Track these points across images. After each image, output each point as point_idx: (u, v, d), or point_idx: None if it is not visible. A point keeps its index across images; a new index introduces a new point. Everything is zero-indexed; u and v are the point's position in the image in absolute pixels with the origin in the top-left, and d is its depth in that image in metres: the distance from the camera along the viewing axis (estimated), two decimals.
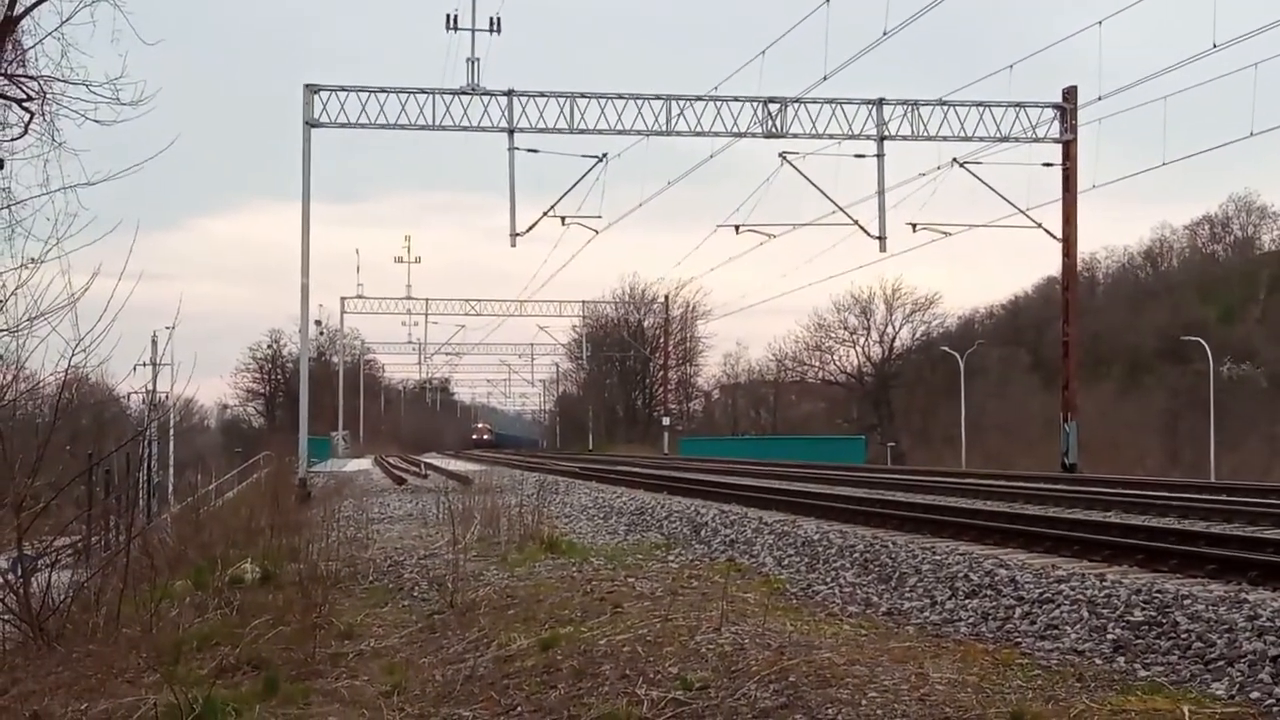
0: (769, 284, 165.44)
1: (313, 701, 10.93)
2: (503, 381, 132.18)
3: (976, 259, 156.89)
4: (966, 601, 12.80)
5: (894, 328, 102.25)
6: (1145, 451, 66.18)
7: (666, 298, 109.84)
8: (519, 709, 10.22)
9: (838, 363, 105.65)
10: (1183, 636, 10.02)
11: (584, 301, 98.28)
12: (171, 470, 52.12)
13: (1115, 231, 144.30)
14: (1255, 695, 8.65)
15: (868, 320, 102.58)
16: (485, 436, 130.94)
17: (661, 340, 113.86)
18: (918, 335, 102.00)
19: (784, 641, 11.46)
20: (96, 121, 12.58)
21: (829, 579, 15.40)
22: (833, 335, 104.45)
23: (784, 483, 33.71)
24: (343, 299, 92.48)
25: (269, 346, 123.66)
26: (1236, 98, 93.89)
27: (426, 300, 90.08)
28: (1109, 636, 10.55)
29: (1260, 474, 46.45)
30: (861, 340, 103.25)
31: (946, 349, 79.96)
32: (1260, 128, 34.16)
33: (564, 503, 30.48)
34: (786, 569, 16.76)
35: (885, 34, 34.57)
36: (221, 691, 10.86)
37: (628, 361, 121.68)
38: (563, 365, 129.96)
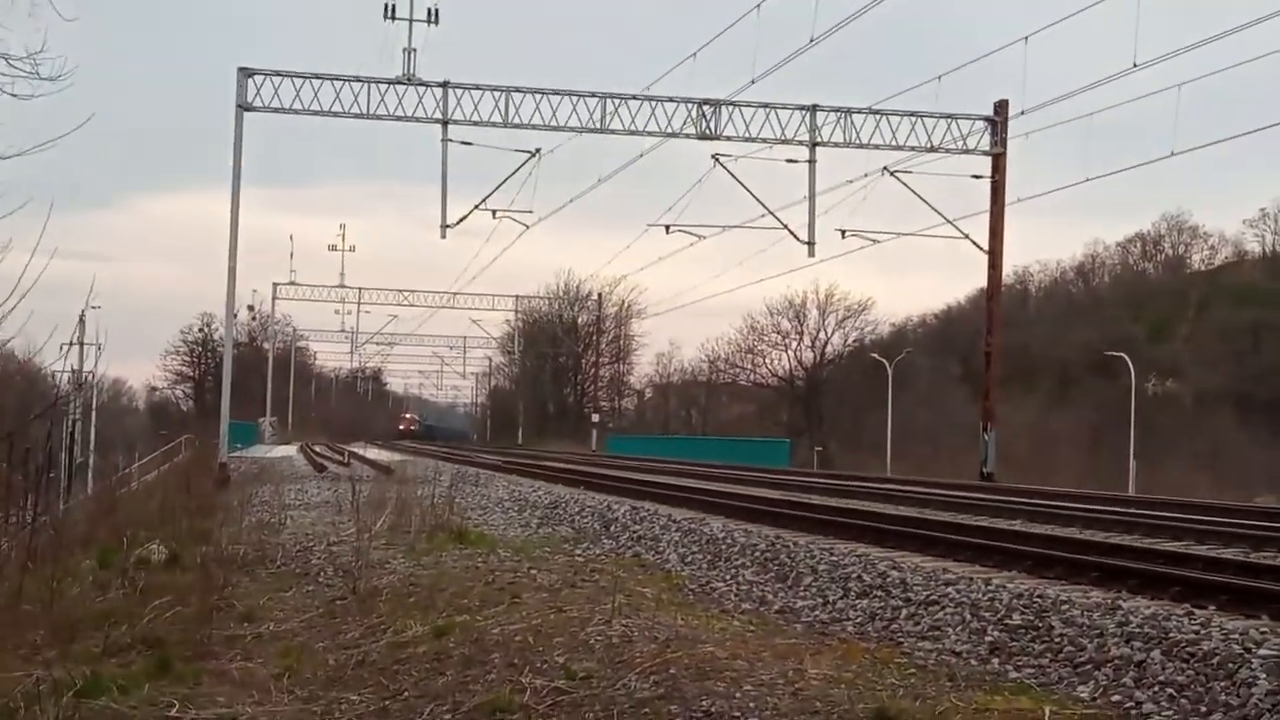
0: (700, 285, 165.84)
1: (203, 682, 10.94)
2: (435, 373, 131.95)
3: (912, 268, 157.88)
4: (857, 601, 13.00)
5: (826, 333, 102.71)
6: (1070, 464, 66.77)
7: (599, 295, 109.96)
8: (406, 694, 10.32)
9: (769, 366, 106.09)
10: (1056, 640, 10.24)
11: (518, 296, 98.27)
12: (92, 451, 51.76)
13: (1050, 246, 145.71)
14: (1116, 698, 8.87)
15: (801, 324, 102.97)
16: (413, 427, 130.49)
17: (595, 337, 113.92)
18: (850, 341, 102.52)
19: (671, 635, 11.61)
20: (13, 95, 12.51)
21: (728, 576, 15.58)
22: (765, 339, 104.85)
23: (701, 482, 33.88)
24: (275, 285, 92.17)
25: (200, 329, 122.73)
26: (1160, 117, 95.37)
27: (359, 289, 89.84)
28: (987, 639, 10.76)
29: (1179, 490, 46.97)
30: (794, 344, 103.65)
31: (876, 356, 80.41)
32: (1181, 148, 34.70)
33: (482, 495, 30.55)
34: (689, 565, 16.92)
35: (812, 40, 34.86)
36: (112, 669, 10.90)
37: (560, 357, 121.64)
38: (496, 359, 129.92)
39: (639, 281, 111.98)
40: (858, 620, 12.37)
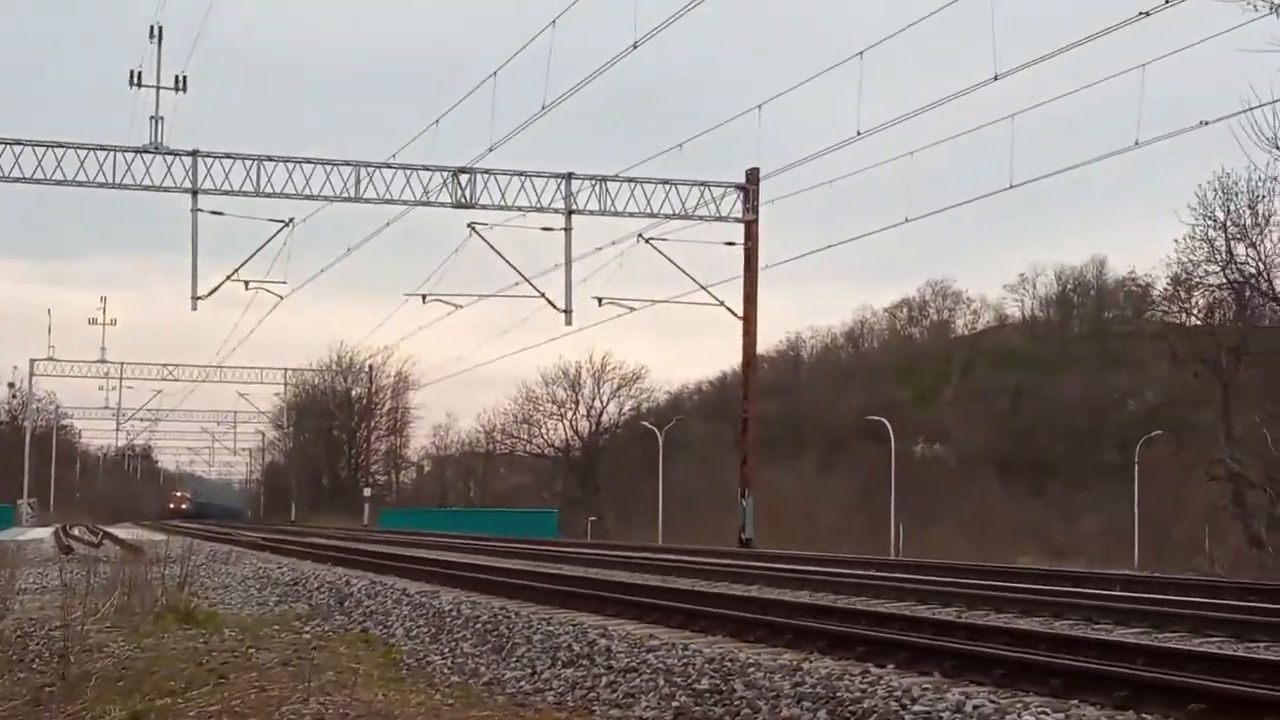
0: (466, 354, 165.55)
1: None
2: (205, 449, 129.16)
3: (686, 335, 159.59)
4: (562, 671, 12.98)
5: (601, 401, 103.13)
6: (839, 528, 67.92)
7: (370, 367, 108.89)
8: None
9: (545, 436, 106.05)
10: (736, 703, 10.34)
11: (287, 369, 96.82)
12: None
13: (822, 312, 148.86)
14: None
15: (576, 394, 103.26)
16: (184, 506, 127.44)
17: (367, 410, 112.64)
18: (625, 410, 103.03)
19: (364, 711, 11.46)
20: None
21: (448, 649, 15.46)
22: (541, 408, 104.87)
23: (453, 555, 33.73)
24: (32, 361, 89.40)
25: None
26: (895, 183, 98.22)
27: (122, 364, 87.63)
28: (674, 704, 10.84)
29: (941, 552, 48.08)
30: (570, 414, 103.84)
31: (647, 424, 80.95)
32: (914, 214, 35.90)
33: (228, 573, 29.89)
34: (412, 639, 16.75)
35: (544, 108, 35.26)
36: None
37: (334, 431, 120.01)
38: (269, 434, 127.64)
39: (411, 352, 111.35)
40: (559, 690, 12.35)
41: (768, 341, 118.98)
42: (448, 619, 17.35)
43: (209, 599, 23.92)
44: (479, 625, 16.29)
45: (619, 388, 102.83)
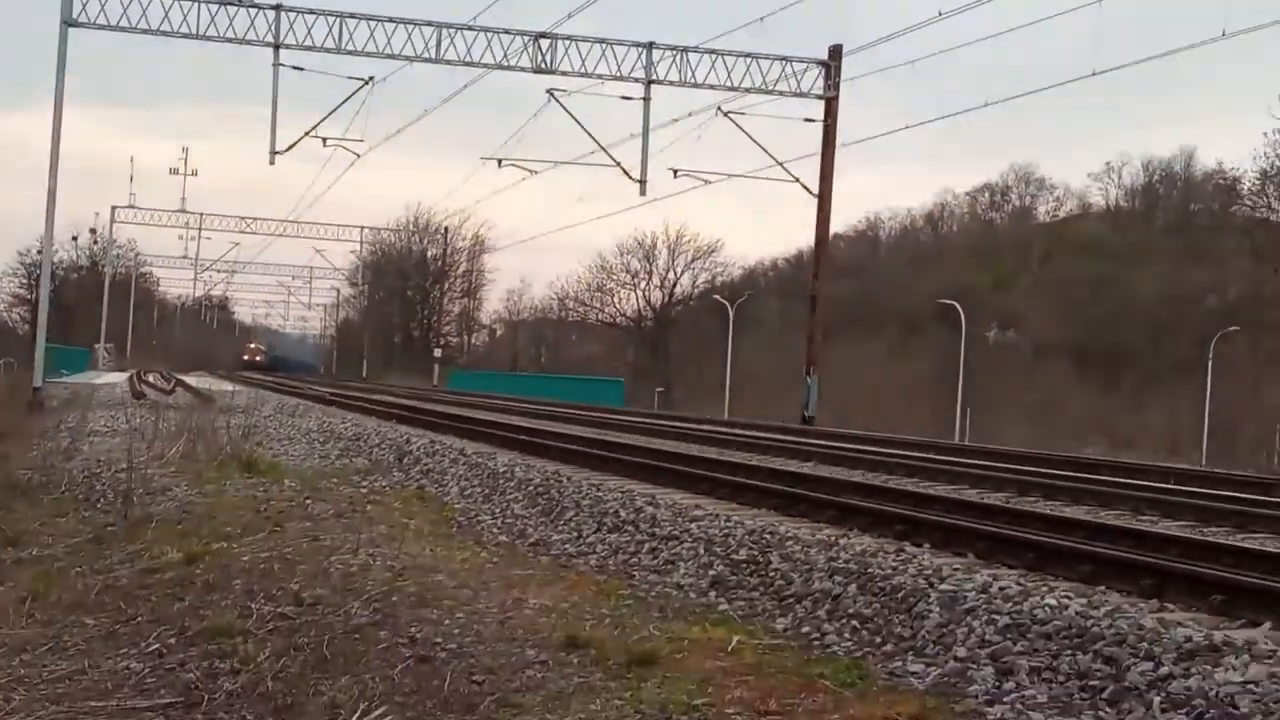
0: (539, 219, 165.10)
1: None
2: (281, 304, 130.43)
3: (765, 210, 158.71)
4: (607, 536, 13.21)
5: (675, 273, 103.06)
6: (909, 411, 67.85)
7: (446, 229, 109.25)
8: (139, 619, 10.32)
9: (618, 305, 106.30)
10: (770, 575, 10.52)
11: (363, 228, 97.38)
12: None
13: (903, 192, 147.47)
14: (806, 630, 9.16)
15: (650, 264, 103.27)
16: (258, 359, 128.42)
17: (446, 272, 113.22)
18: (699, 283, 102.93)
19: (410, 564, 11.75)
20: None
21: (499, 510, 15.74)
22: (614, 278, 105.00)
23: (515, 418, 34.06)
24: (113, 208, 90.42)
25: (38, 252, 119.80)
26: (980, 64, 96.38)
27: (201, 215, 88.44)
28: (711, 573, 11.03)
29: (1010, 439, 47.92)
30: (643, 284, 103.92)
31: (719, 298, 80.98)
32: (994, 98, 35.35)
33: (293, 425, 30.41)
34: (466, 498, 17.07)
35: None
36: None
37: (408, 291, 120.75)
38: (345, 291, 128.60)
39: (487, 216, 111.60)
40: (602, 554, 12.59)
41: (846, 219, 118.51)
42: (501, 480, 17.64)
43: (273, 449, 24.38)
44: (531, 488, 16.56)
45: (693, 260, 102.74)
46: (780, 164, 41.97)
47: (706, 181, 43.00)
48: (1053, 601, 8.33)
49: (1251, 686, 6.64)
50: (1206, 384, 62.94)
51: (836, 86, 41.64)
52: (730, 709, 7.30)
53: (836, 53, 41.58)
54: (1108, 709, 6.91)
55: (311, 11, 38.88)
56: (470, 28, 39.56)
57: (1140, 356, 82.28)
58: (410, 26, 39.25)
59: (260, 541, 13.44)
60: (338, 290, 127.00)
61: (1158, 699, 6.80)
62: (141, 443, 24.61)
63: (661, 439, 28.09)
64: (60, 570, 12.55)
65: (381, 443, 24.28)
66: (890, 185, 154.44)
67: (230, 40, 38.51)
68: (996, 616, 8.37)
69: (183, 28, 38.19)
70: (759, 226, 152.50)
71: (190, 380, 64.50)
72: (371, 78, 39.64)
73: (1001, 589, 8.85)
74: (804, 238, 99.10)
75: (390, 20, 39.21)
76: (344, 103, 39.90)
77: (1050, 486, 17.75)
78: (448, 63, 39.66)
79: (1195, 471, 24.86)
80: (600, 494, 15.11)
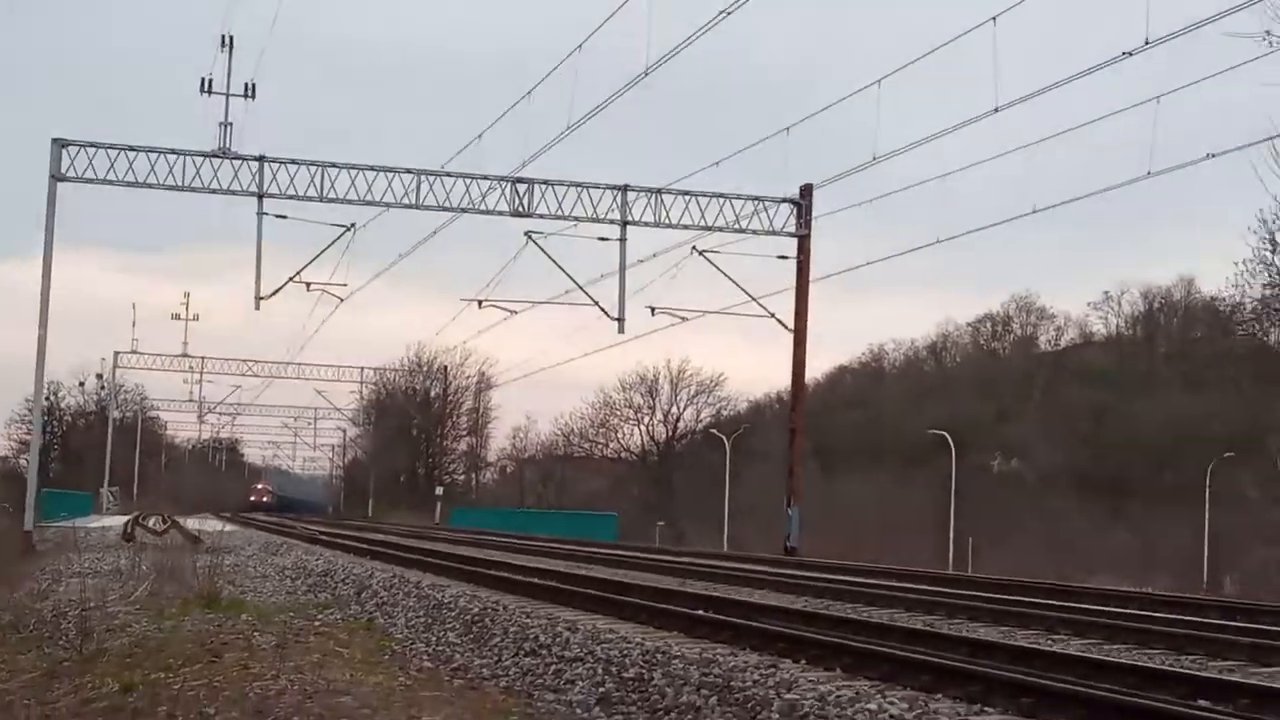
0: (532, 357, 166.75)
1: None
2: (289, 444, 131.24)
3: (769, 343, 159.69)
4: (523, 659, 13.88)
5: (678, 408, 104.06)
6: (914, 541, 68.16)
7: (445, 368, 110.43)
8: None
9: (621, 441, 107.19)
10: (650, 690, 11.15)
11: (363, 368, 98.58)
12: None
13: (906, 321, 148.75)
14: None
15: (653, 399, 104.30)
16: (265, 499, 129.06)
17: (449, 410, 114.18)
18: (703, 416, 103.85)
19: (324, 689, 12.40)
20: None
21: (435, 637, 16.40)
22: (618, 413, 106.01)
23: (490, 552, 34.76)
24: (116, 353, 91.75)
25: (46, 399, 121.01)
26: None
27: (203, 359, 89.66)
28: (601, 689, 11.64)
29: (1014, 567, 48.12)
30: (646, 419, 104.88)
31: (714, 431, 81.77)
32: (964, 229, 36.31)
33: (272, 563, 31.09)
34: (409, 628, 17.72)
35: (569, 128, 36.44)
36: None
37: (413, 430, 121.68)
38: (350, 431, 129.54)
39: (489, 352, 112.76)
40: (512, 675, 13.26)
41: (852, 351, 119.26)
42: (445, 610, 18.29)
43: (244, 586, 25.02)
44: (469, 617, 17.20)
45: (696, 394, 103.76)
46: (755, 300, 42.97)
47: (684, 319, 44.08)
48: (873, 707, 8.98)
49: None
50: (1205, 511, 63.35)
51: (808, 224, 42.69)
52: None
53: (807, 191, 42.67)
54: None
55: (294, 162, 40.07)
56: (449, 174, 40.73)
57: (1144, 484, 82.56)
58: (390, 174, 40.41)
59: (196, 671, 14.09)
60: (343, 431, 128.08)
61: None
62: (116, 582, 25.30)
63: (621, 569, 28.73)
64: (8, 703, 13.18)
65: (347, 578, 24.94)
66: (893, 313, 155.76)
67: (215, 191, 39.71)
68: None
69: (168, 179, 39.37)
70: (762, 362, 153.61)
71: (191, 522, 65.02)
72: (353, 224, 40.83)
73: (838, 698, 9.50)
74: (811, 369, 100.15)
75: (370, 168, 40.38)
76: (327, 248, 41.03)
77: (979, 609, 18.32)
78: (427, 208, 40.82)
79: (1145, 595, 25.34)
80: (527, 620, 15.76)
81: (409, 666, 14.43)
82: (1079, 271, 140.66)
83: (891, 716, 8.58)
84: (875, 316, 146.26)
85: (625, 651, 12.71)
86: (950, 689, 10.09)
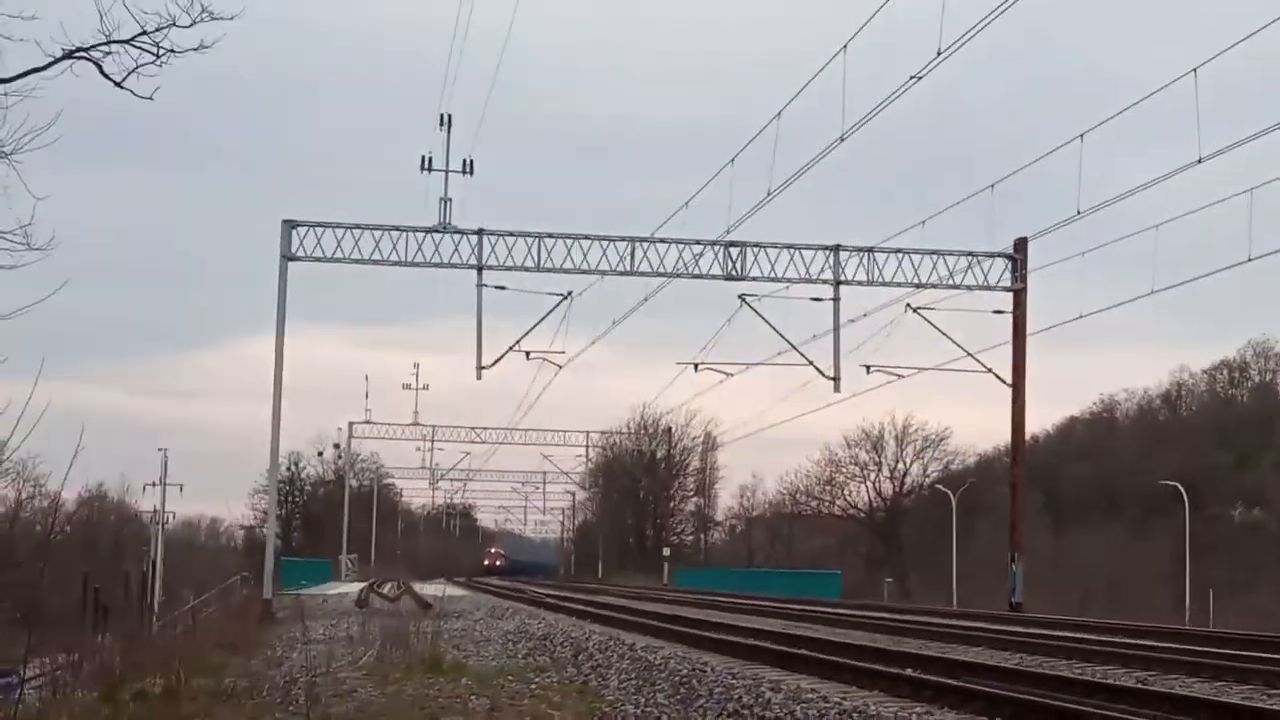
0: (750, 418, 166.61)
1: None
2: (518, 508, 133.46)
3: (993, 397, 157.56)
4: (724, 719, 14.08)
5: (905, 463, 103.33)
6: (1151, 594, 66.56)
7: (670, 430, 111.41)
8: None
9: (848, 498, 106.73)
10: None
11: (588, 432, 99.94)
12: (155, 587, 53.47)
13: (1135, 374, 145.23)
14: None
15: (879, 455, 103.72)
16: (498, 563, 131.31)
17: (675, 471, 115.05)
18: (930, 471, 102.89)
19: None
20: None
21: (644, 698, 16.72)
22: (843, 470, 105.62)
23: (712, 612, 34.98)
24: (350, 424, 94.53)
25: (287, 469, 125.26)
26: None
27: (433, 428, 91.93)
28: None
29: (1258, 623, 46.65)
30: (872, 475, 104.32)
31: (940, 487, 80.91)
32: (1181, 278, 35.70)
33: (496, 627, 31.82)
34: (620, 690, 18.05)
35: (769, 194, 36.70)
36: None
37: (640, 492, 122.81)
38: (579, 495, 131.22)
39: (714, 413, 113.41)
40: None
41: (1081, 402, 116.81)
42: (655, 671, 18.64)
43: (466, 650, 25.69)
44: (678, 678, 17.52)
45: (922, 449, 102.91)
46: (972, 355, 42.71)
47: (900, 376, 43.98)
48: None
49: None
50: None
51: (1024, 278, 42.35)
52: None
53: (1022, 245, 42.36)
54: None
55: (511, 234, 41.22)
56: (663, 240, 41.41)
57: None
58: (605, 242, 41.27)
59: None
60: (572, 495, 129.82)
61: None
62: (347, 649, 26.24)
63: (843, 628, 28.75)
64: None
65: (565, 640, 25.45)
66: (1119, 363, 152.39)
67: (436, 265, 41.00)
68: None
69: (392, 256, 40.82)
70: (987, 415, 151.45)
71: (426, 587, 66.58)
72: (570, 292, 41.74)
73: None
74: (1037, 422, 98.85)
75: (585, 237, 41.34)
76: (545, 317, 41.93)
77: (1201, 665, 18.05)
78: (641, 274, 41.55)
79: None
80: (732, 681, 16.00)
81: None
82: None
83: None
84: (1099, 367, 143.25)
85: (823, 711, 12.90)
86: None
